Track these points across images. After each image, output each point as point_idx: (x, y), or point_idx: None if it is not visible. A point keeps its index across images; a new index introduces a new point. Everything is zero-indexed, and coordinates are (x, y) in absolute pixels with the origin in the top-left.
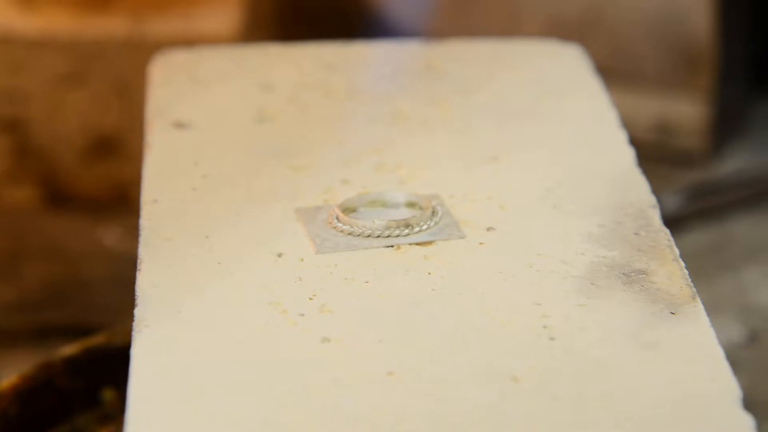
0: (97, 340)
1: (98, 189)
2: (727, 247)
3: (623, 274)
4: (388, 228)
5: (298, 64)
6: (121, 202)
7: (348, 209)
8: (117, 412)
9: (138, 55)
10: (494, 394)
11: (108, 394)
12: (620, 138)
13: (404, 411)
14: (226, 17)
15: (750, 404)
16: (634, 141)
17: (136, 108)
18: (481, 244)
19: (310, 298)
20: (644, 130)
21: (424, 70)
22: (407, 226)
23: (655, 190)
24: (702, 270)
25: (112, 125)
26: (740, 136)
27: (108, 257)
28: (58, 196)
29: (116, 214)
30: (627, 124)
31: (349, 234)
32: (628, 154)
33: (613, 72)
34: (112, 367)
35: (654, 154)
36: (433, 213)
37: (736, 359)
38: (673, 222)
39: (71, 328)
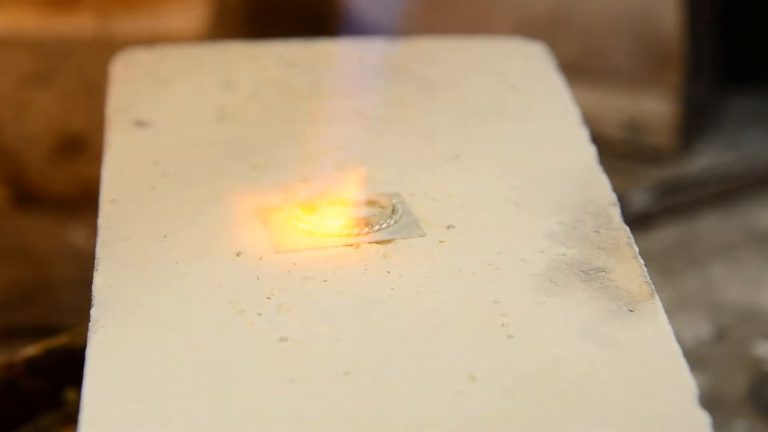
0: (59, 340)
1: (66, 189)
2: (695, 244)
3: (582, 271)
4: (347, 227)
5: (260, 62)
6: (89, 202)
7: (308, 208)
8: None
9: (105, 53)
10: (451, 392)
11: (72, 395)
12: (582, 135)
13: (361, 410)
14: (193, 15)
15: (718, 400)
16: (603, 138)
17: (103, 107)
18: (440, 242)
19: (268, 298)
20: (614, 128)
21: (387, 68)
22: (367, 224)
23: (624, 188)
24: (670, 267)
25: (80, 124)
26: (710, 133)
27: (75, 258)
28: (26, 196)
29: (84, 214)
30: (596, 121)
31: (309, 233)
32: (590, 152)
33: (583, 70)
34: (75, 367)
35: (623, 151)
36: (393, 211)
37: (703, 356)
38: (643, 219)
39: (38, 329)
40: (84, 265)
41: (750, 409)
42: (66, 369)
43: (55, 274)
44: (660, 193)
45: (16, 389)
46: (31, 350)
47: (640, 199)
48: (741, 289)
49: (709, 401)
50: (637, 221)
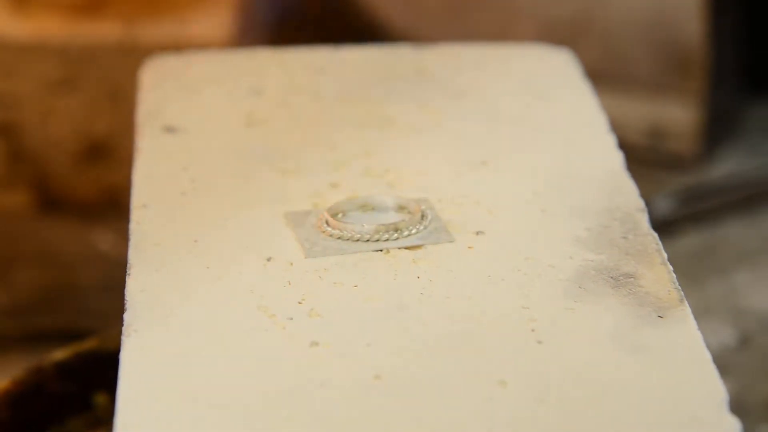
0: (88, 344)
1: (90, 194)
2: (718, 251)
3: (611, 277)
4: (377, 232)
5: (288, 69)
6: (114, 207)
7: (337, 213)
8: (109, 416)
9: (130, 60)
10: (482, 397)
11: (100, 398)
12: (609, 142)
13: (391, 415)
14: (218, 22)
15: (742, 407)
16: (626, 145)
17: (128, 113)
18: (469, 247)
19: (299, 302)
20: (636, 134)
21: (413, 75)
22: (396, 230)
23: (647, 194)
24: (694, 273)
25: (105, 130)
26: (732, 139)
27: (100, 262)
28: (51, 201)
29: (108, 218)
30: (619, 128)
31: (339, 238)
32: (617, 158)
33: (605, 76)
34: (103, 371)
35: (646, 157)
36: (422, 217)
37: (727, 362)
38: (666, 225)
39: (64, 333)
40: (109, 269)
41: None
42: (95, 372)
43: (80, 279)
44: (682, 199)
45: (46, 392)
46: (60, 354)
47: (663, 206)
48: (765, 296)
49: (733, 407)
50: (659, 228)
